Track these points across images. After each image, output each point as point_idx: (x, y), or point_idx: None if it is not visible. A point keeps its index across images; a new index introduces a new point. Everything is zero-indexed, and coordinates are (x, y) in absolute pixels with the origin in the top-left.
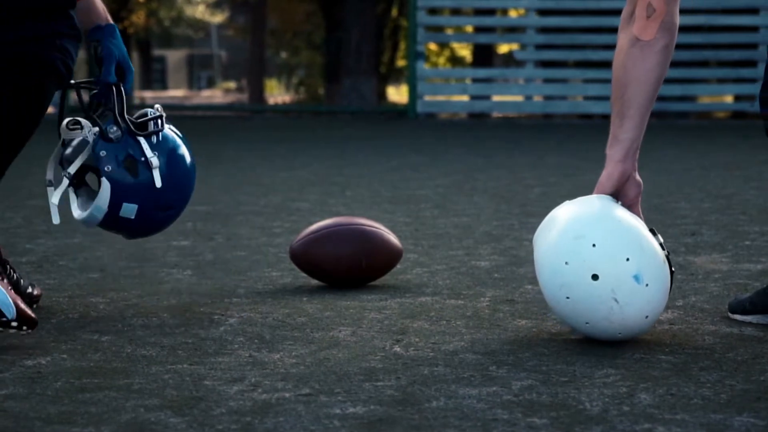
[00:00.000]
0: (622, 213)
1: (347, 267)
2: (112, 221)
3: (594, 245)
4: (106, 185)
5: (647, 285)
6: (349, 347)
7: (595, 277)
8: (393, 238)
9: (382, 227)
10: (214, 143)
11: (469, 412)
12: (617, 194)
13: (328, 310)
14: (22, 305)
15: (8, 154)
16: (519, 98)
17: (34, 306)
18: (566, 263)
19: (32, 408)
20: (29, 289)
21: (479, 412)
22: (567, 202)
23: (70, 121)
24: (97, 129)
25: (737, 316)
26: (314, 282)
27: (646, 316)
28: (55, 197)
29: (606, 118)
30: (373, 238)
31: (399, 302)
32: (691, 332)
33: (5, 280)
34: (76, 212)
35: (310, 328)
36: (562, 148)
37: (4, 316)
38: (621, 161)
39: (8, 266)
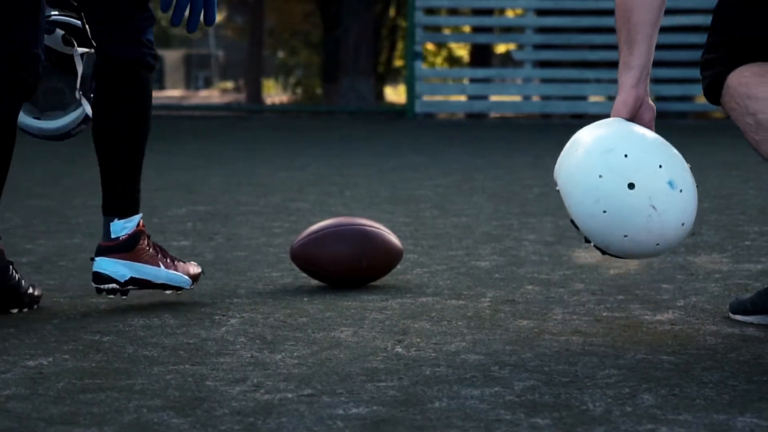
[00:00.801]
0: (643, 128)
1: (348, 267)
2: (65, 134)
3: (626, 155)
4: (87, 106)
5: (681, 191)
6: (350, 348)
7: (631, 186)
8: (394, 239)
9: (383, 227)
10: (212, 143)
11: (472, 413)
12: (632, 120)
13: (329, 311)
14: (191, 270)
15: (132, 150)
16: (517, 98)
17: (35, 307)
18: (600, 176)
19: (35, 408)
20: (30, 290)
21: (482, 413)
22: (585, 127)
23: (66, 37)
24: (86, 51)
25: (738, 317)
26: (314, 282)
27: (683, 224)
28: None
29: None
30: (373, 238)
31: (400, 302)
32: (693, 333)
33: (174, 261)
34: (41, 122)
35: (312, 328)
36: (560, 148)
37: (183, 288)
38: (634, 87)
39: (11, 267)
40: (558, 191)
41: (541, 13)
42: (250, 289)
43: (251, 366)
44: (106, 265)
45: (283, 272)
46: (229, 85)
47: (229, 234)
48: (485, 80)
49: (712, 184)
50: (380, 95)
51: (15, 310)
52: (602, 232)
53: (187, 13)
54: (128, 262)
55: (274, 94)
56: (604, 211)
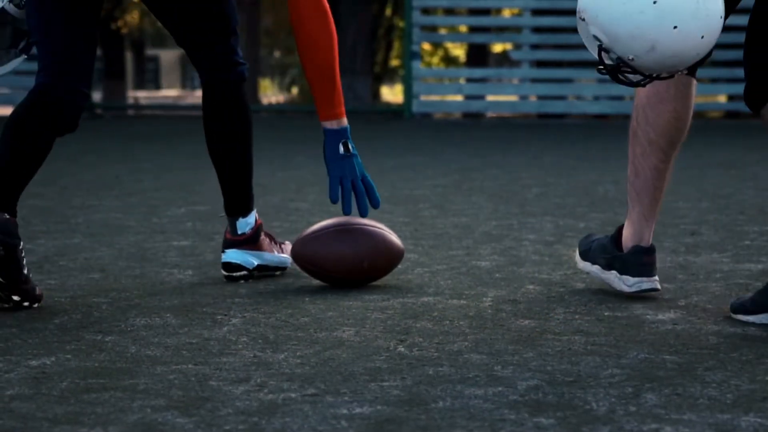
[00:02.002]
0: None
1: (349, 267)
2: None
3: None
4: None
5: None
6: (353, 347)
7: None
8: (395, 238)
9: (384, 227)
10: None
11: (476, 413)
12: None
13: (331, 310)
14: (287, 250)
15: (244, 155)
16: (514, 98)
17: (36, 305)
18: None
19: (39, 408)
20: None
21: (486, 413)
22: None
23: None
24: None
25: (740, 316)
26: (316, 282)
27: (720, 16)
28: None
29: (601, 118)
30: (375, 238)
31: (401, 302)
32: (695, 332)
33: (280, 245)
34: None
35: (314, 328)
36: (558, 148)
37: (287, 267)
38: None
39: (20, 245)
40: (584, 21)
41: (538, 12)
42: (251, 289)
43: (254, 366)
44: (236, 255)
45: (285, 272)
46: None
47: None
48: (482, 80)
49: (711, 184)
50: (376, 95)
51: (17, 298)
52: (652, 27)
53: (354, 200)
54: (255, 252)
55: (270, 93)
56: (654, 2)
